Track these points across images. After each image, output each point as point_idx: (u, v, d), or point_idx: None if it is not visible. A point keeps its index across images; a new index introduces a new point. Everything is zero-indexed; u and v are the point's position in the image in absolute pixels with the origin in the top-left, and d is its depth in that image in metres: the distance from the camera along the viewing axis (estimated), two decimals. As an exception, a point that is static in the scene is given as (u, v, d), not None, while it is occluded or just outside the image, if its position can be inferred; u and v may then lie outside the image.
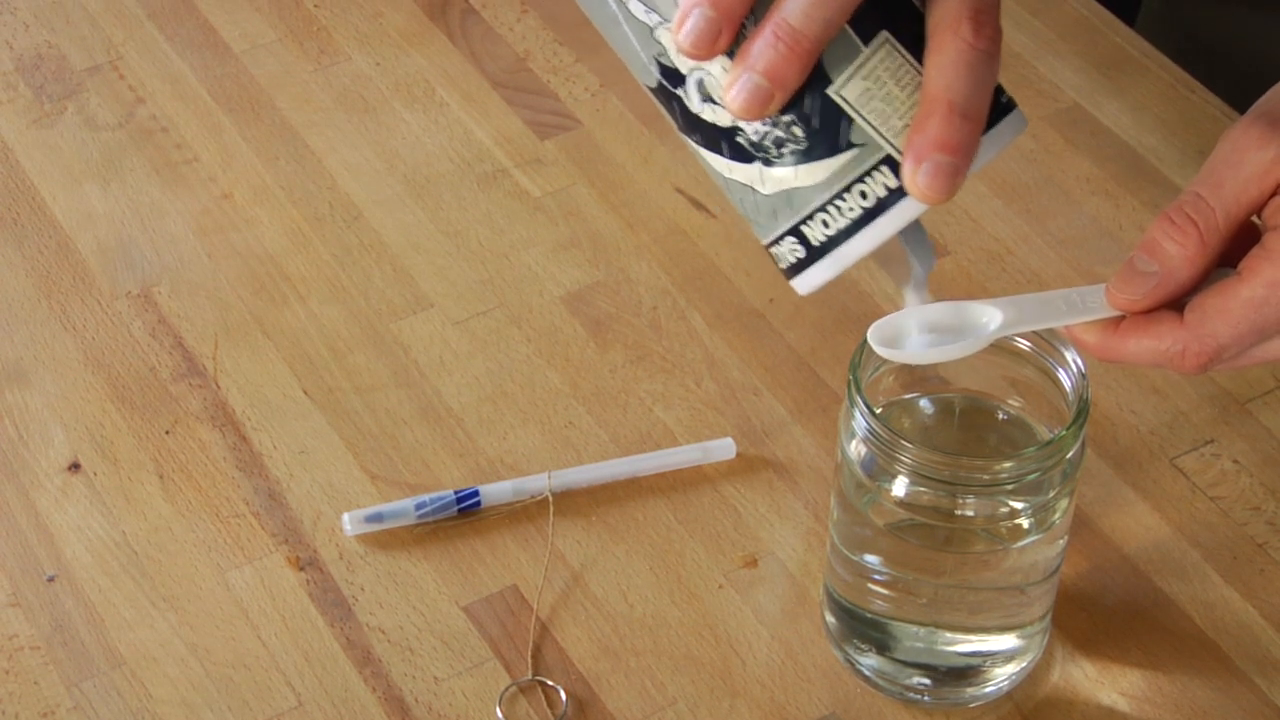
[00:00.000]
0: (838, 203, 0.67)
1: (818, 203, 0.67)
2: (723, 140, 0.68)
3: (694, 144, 0.70)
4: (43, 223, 1.00)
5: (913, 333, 0.71)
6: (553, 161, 1.03)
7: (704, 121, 0.69)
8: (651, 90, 0.70)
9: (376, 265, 0.98)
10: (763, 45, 0.65)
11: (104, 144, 1.04)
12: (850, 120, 0.66)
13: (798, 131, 0.67)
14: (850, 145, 0.66)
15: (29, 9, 1.11)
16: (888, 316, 0.71)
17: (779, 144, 0.67)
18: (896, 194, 0.66)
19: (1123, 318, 0.70)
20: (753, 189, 0.68)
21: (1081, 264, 0.97)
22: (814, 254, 0.68)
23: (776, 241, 0.69)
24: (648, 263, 0.98)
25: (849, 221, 0.67)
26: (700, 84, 0.68)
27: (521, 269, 0.98)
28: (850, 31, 0.66)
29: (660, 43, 0.68)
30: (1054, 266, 0.97)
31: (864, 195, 0.66)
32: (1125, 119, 1.04)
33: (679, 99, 0.69)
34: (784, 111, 0.67)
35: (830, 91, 0.66)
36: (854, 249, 0.67)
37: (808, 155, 0.67)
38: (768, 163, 0.68)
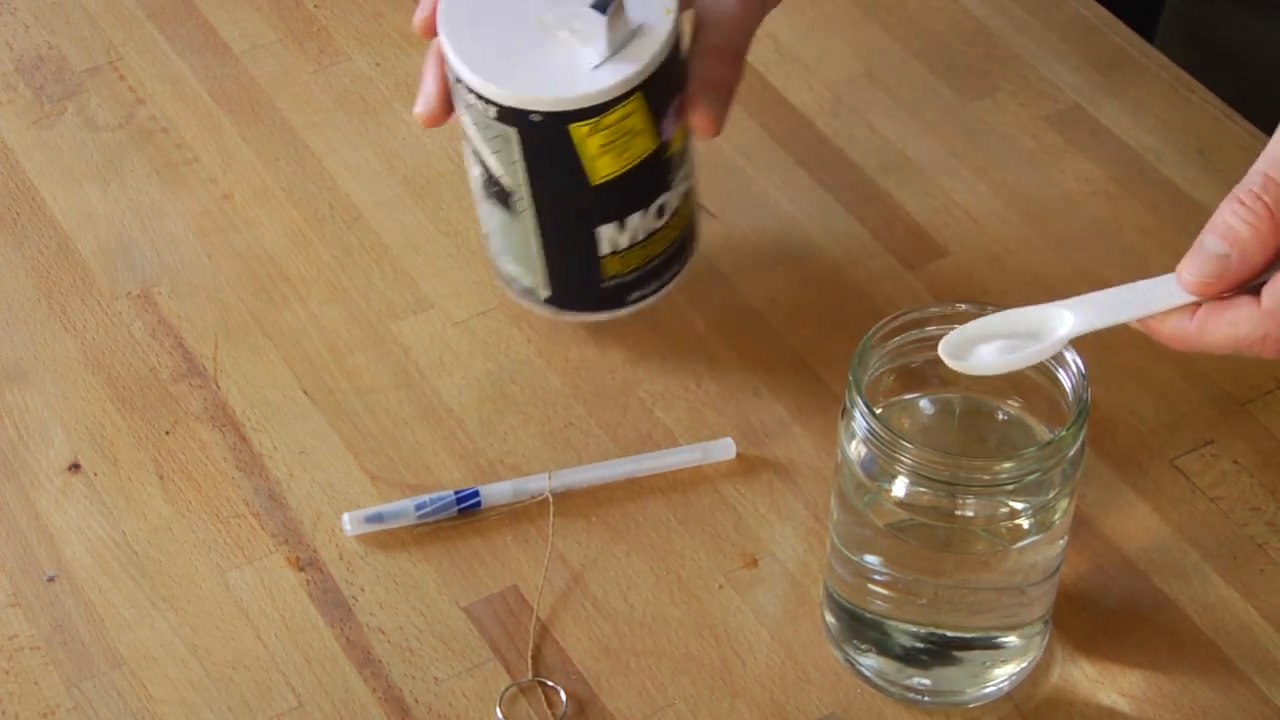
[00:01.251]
0: None
1: None
2: None
3: None
4: (43, 223, 1.00)
5: (983, 343, 0.70)
6: (553, 162, 1.03)
7: None
8: None
9: (376, 266, 0.98)
10: None
11: (104, 144, 1.04)
12: None
13: None
14: None
15: (29, 9, 1.11)
16: (957, 329, 0.71)
17: None
18: None
19: (1196, 305, 0.69)
20: None
21: (1082, 265, 0.97)
22: None
23: None
24: (648, 263, 0.98)
25: None
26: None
27: (521, 269, 0.98)
28: None
29: None
30: (1054, 268, 0.97)
31: None
32: (1125, 119, 1.04)
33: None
34: None
35: None
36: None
37: None
38: None
